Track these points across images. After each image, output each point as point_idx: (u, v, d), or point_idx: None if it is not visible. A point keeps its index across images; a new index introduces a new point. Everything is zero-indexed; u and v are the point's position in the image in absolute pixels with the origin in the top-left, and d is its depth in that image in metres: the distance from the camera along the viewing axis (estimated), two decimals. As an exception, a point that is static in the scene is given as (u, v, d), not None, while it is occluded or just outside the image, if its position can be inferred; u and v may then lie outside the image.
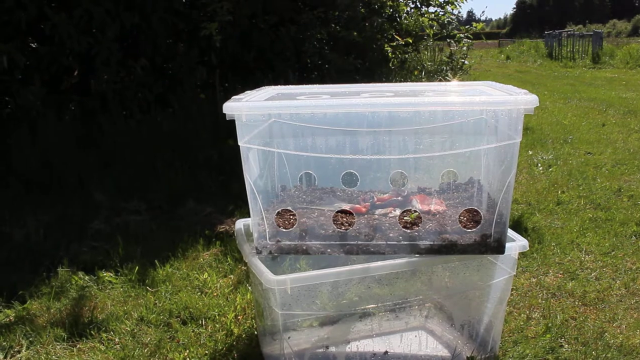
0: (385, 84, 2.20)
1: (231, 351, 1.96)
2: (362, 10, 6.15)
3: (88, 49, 4.44)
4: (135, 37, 4.85)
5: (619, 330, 2.05)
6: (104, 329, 2.13)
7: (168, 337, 2.08)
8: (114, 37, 4.46)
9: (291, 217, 1.70)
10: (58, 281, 2.51)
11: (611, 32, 41.98)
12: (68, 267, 2.62)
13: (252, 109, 1.57)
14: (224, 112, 1.56)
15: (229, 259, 2.70)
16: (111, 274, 2.57)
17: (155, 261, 2.66)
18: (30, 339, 2.06)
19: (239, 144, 1.60)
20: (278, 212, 1.70)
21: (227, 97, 1.61)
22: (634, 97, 8.29)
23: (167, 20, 4.77)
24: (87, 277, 2.55)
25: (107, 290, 2.45)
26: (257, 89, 1.91)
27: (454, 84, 2.19)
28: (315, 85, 2.06)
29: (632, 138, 5.40)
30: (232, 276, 2.54)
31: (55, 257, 2.72)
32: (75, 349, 2.01)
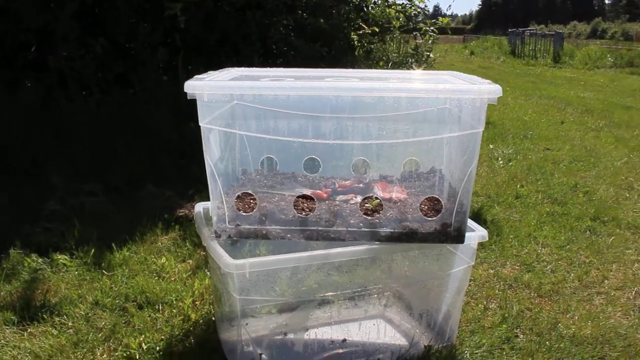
0: (351, 69, 2.18)
1: (188, 337, 1.93)
2: (330, -3, 6.11)
3: (45, 25, 4.28)
4: (97, 14, 4.70)
5: (572, 321, 2.10)
6: (56, 312, 2.07)
7: (123, 321, 2.04)
8: (73, 13, 4.31)
9: (251, 201, 1.67)
10: (9, 263, 2.42)
11: (572, 33, 42.85)
12: (20, 248, 2.54)
13: (214, 88, 1.53)
14: (185, 90, 1.52)
15: (187, 244, 2.65)
16: (66, 257, 2.50)
17: (112, 244, 2.59)
18: (-23, 321, 1.98)
19: (200, 124, 1.56)
20: (238, 196, 1.67)
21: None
22: (591, 97, 8.50)
23: (130, -2, 4.63)
24: (40, 260, 2.47)
25: (61, 273, 2.38)
26: (221, 70, 1.87)
27: (418, 73, 2.20)
28: (279, 69, 2.03)
29: (589, 136, 5.53)
30: (190, 261, 2.50)
31: (7, 239, 2.63)
32: (25, 333, 1.94)
